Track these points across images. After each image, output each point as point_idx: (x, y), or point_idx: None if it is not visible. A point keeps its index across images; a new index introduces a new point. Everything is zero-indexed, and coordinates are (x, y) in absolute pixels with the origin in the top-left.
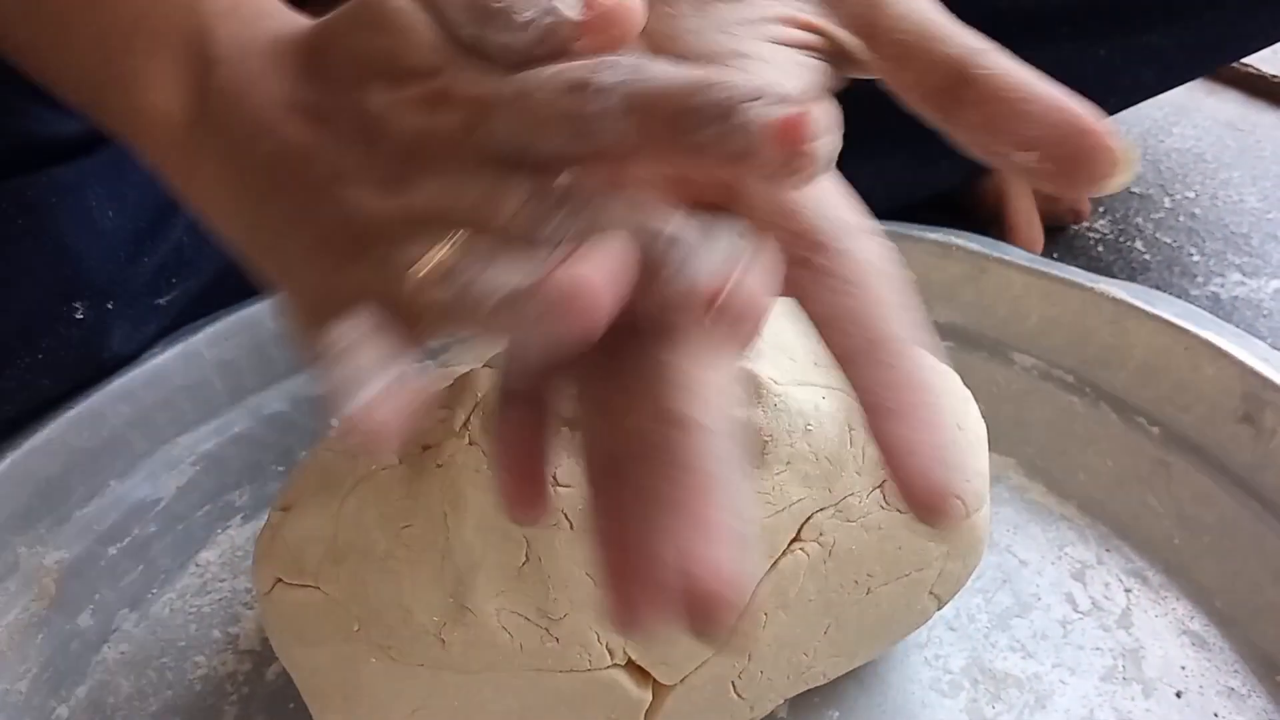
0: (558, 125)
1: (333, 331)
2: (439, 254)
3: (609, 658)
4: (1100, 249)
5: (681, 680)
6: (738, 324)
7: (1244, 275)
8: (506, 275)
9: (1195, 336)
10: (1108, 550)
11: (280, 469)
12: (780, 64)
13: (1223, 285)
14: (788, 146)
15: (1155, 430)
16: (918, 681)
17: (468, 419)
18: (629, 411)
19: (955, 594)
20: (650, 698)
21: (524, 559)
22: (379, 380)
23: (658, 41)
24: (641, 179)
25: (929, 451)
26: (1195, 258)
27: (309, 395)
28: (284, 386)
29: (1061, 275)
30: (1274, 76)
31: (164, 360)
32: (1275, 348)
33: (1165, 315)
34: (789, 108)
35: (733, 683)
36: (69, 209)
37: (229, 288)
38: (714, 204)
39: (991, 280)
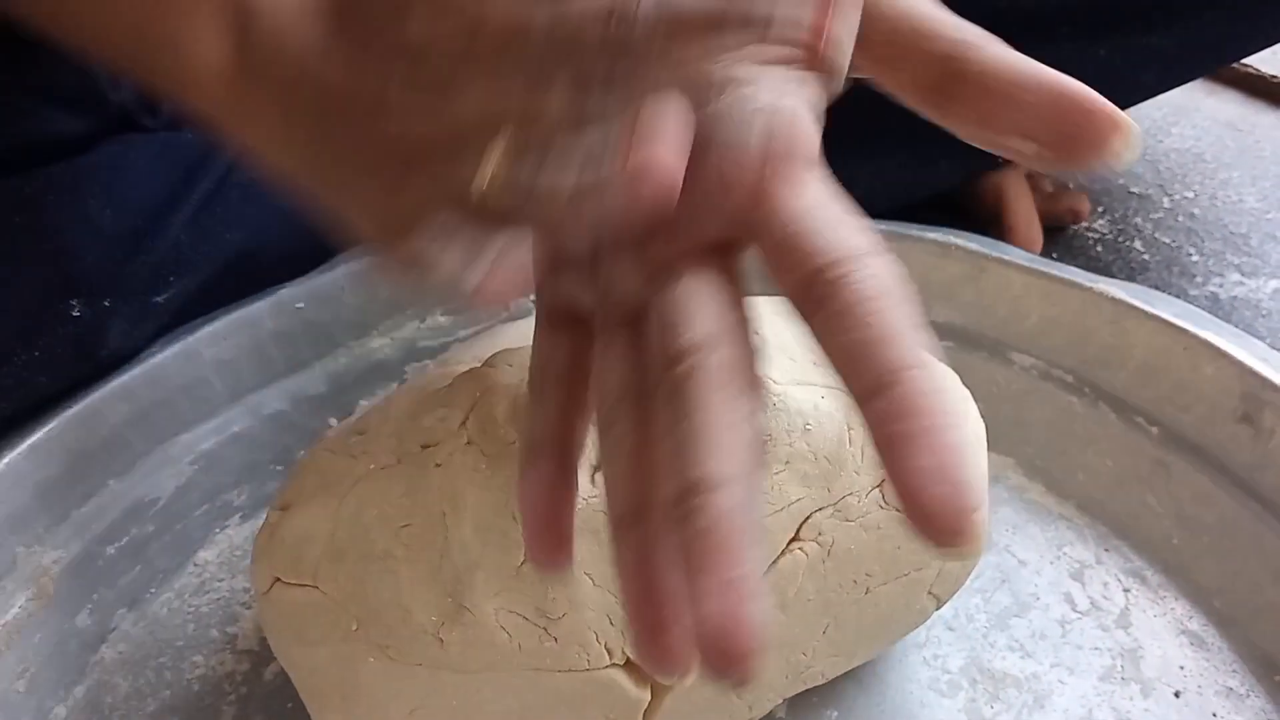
0: (595, 50)
1: (422, 238)
2: (495, 157)
3: (608, 657)
4: (1099, 249)
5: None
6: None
7: (1243, 275)
8: (568, 163)
9: (1194, 336)
10: (1106, 550)
11: (279, 468)
12: (771, 85)
13: (1222, 285)
14: (814, 34)
15: (1154, 430)
16: (916, 681)
17: (466, 419)
18: (649, 468)
19: (954, 594)
20: (649, 697)
21: (522, 559)
22: (486, 255)
23: None
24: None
25: (935, 476)
26: (1194, 258)
27: (308, 395)
28: (283, 386)
29: (1061, 275)
30: (1273, 77)
31: (162, 359)
32: (1274, 348)
33: (1164, 315)
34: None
35: None
36: (66, 207)
37: (227, 287)
38: (724, 239)
39: (991, 280)
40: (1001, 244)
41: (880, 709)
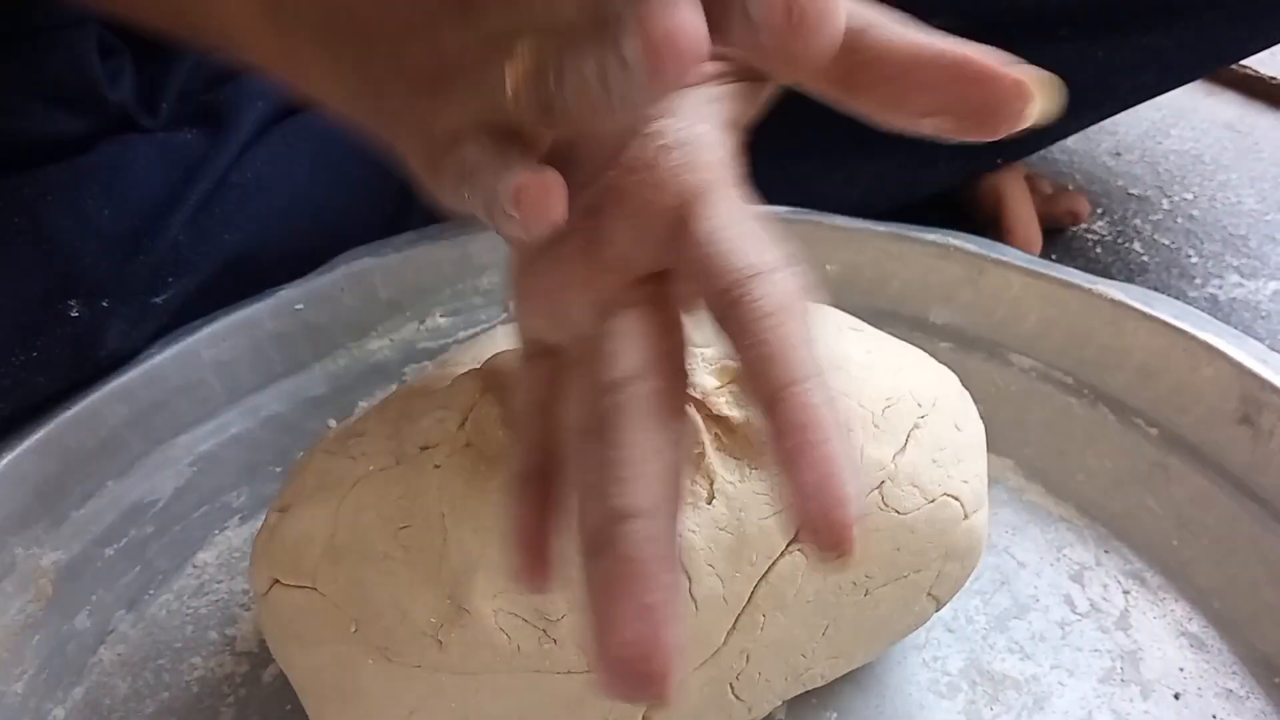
0: None
1: (464, 154)
2: (521, 60)
3: None
4: (1098, 250)
5: (679, 681)
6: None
7: (1242, 277)
8: (592, 54)
9: (1193, 338)
10: (1106, 552)
11: (278, 470)
12: (689, 112)
13: (1221, 287)
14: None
15: (1154, 431)
16: (916, 683)
17: (465, 420)
18: (589, 503)
19: (953, 595)
20: None
21: None
22: (523, 170)
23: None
24: None
25: (814, 490)
26: (1193, 259)
27: (307, 396)
28: (282, 387)
29: (1060, 276)
30: (1272, 78)
31: (161, 361)
32: (1273, 349)
33: (1163, 317)
34: None
35: (730, 684)
36: (64, 207)
37: (226, 288)
38: (660, 267)
39: (990, 281)
40: (1000, 245)
41: (879, 711)
